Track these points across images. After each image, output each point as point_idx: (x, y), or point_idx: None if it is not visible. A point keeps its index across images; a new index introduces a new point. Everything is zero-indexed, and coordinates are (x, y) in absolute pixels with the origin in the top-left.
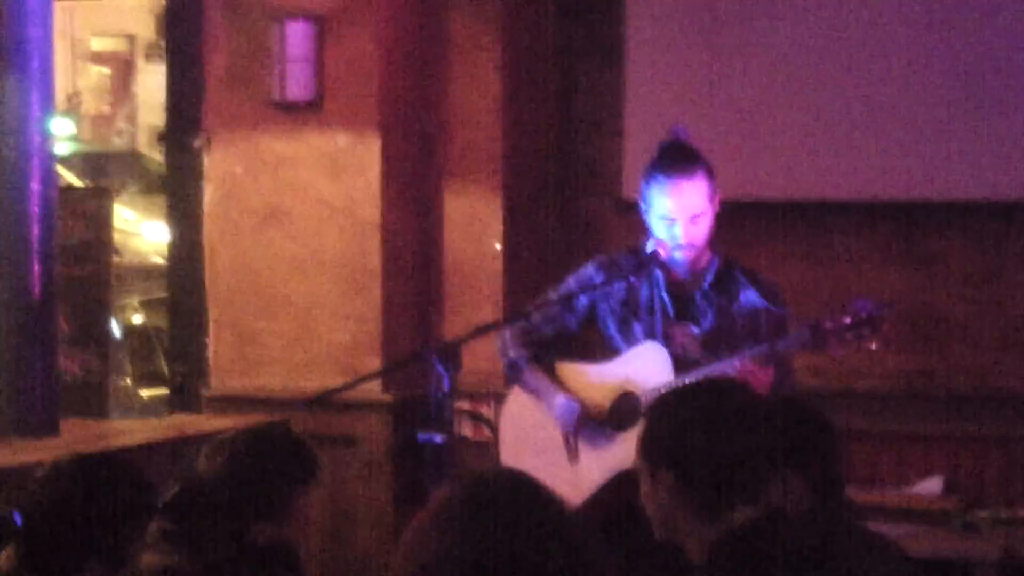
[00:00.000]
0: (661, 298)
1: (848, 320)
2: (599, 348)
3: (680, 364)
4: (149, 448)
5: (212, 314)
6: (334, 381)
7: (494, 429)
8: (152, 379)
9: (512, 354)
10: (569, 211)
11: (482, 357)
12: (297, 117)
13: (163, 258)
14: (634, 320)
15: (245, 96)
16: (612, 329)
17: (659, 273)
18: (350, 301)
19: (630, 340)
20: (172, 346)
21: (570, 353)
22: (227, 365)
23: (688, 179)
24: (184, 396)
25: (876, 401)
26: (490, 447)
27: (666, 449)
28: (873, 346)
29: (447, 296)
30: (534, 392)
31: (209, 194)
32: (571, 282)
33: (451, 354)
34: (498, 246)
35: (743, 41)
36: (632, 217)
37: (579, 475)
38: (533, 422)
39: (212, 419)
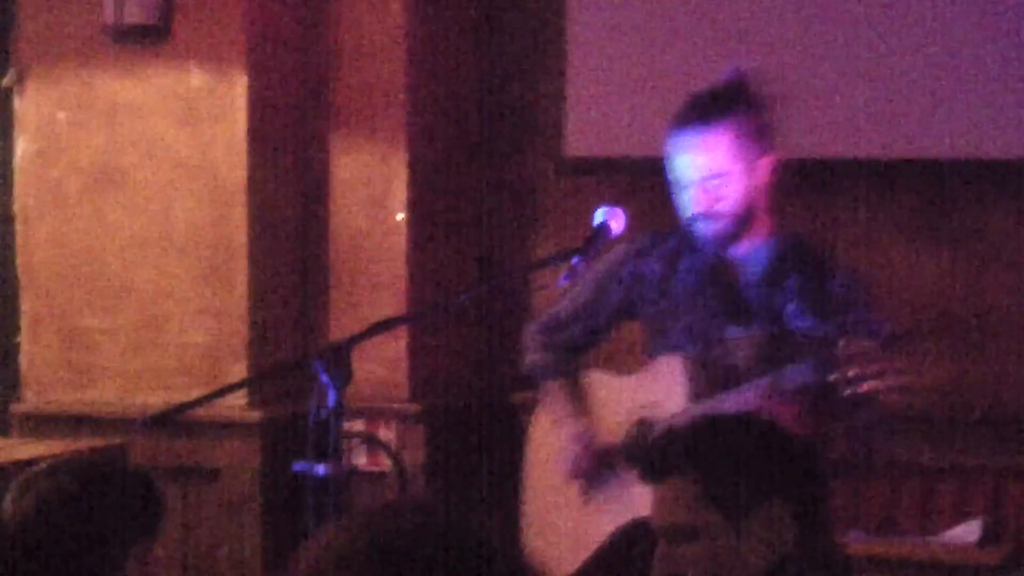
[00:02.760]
0: (705, 290)
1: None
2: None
3: (727, 378)
4: None
5: (26, 306)
6: (186, 394)
7: (395, 457)
8: None
9: (529, 359)
10: (496, 172)
11: (380, 362)
12: (138, 48)
13: None
14: (670, 317)
15: (69, 19)
16: (648, 328)
17: (703, 255)
18: (208, 290)
19: (666, 343)
20: None
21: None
22: (46, 373)
23: (700, 131)
24: None
25: (896, 424)
26: (389, 481)
27: None
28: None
29: (335, 283)
30: (551, 413)
31: (22, 149)
32: (601, 266)
33: (339, 359)
34: (401, 217)
35: None
36: (579, 180)
37: (587, 522)
38: (559, 445)
39: (24, 444)
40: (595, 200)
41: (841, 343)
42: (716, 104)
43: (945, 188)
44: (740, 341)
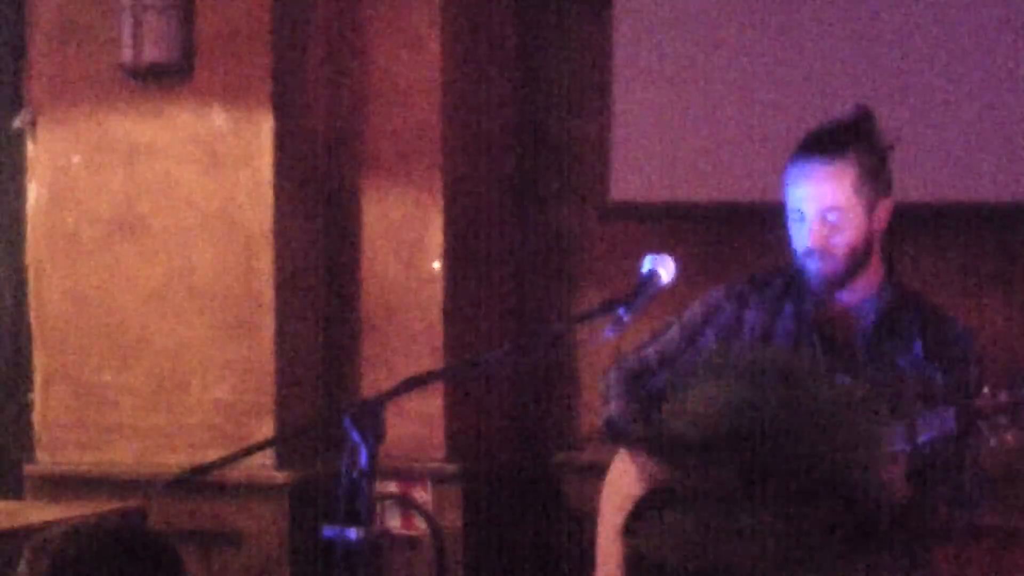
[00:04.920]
0: (809, 339)
1: (1006, 398)
2: None
3: None
4: None
5: (39, 362)
6: (209, 454)
7: (431, 520)
8: None
9: (613, 407)
10: (537, 218)
11: (414, 420)
12: (158, 88)
13: None
14: None
15: (85, 57)
16: None
17: (808, 300)
18: (232, 344)
19: None
20: None
21: None
22: (60, 432)
23: (824, 162)
24: None
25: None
26: (425, 545)
27: None
28: None
29: (366, 336)
30: (640, 468)
31: (35, 195)
32: (696, 310)
33: (371, 417)
34: (437, 266)
35: None
36: (625, 227)
37: None
38: None
39: (38, 507)
40: (642, 248)
41: (986, 391)
42: (842, 136)
43: (1014, 233)
44: None
